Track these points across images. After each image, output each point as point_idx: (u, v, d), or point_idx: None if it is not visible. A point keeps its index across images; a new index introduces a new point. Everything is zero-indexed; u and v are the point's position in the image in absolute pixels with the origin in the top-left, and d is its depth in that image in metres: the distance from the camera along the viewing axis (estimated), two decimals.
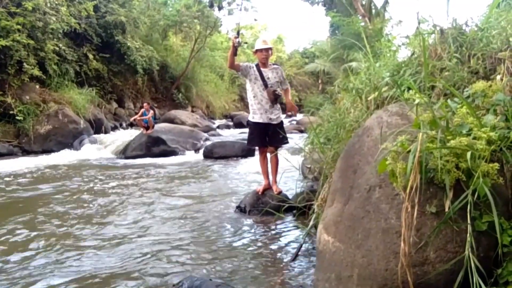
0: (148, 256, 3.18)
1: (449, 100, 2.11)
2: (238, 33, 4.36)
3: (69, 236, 3.75)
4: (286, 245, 3.44)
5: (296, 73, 35.01)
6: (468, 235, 1.66)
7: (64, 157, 9.98)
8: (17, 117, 10.85)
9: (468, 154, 1.67)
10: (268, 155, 4.56)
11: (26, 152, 10.69)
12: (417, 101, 2.02)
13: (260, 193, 4.49)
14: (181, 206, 4.80)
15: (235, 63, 4.35)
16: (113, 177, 6.97)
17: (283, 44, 41.52)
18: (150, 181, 6.46)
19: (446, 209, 1.72)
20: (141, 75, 18.04)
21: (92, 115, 13.24)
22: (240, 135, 14.02)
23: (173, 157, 9.68)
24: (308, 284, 2.60)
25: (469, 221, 1.66)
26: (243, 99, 28.74)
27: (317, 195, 3.33)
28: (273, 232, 3.81)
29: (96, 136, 12.37)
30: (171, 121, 14.65)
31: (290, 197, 4.35)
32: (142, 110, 10.63)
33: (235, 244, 3.47)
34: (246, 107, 26.53)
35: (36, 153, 10.62)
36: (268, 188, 4.52)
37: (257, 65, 4.43)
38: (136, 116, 10.86)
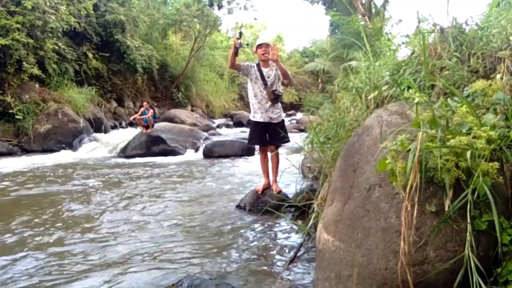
0: (147, 255, 3.18)
1: (449, 99, 2.10)
2: (240, 34, 4.35)
3: (69, 232, 3.75)
4: (286, 244, 3.44)
5: (296, 72, 34.97)
6: (467, 234, 1.66)
7: (63, 156, 9.98)
8: (16, 116, 10.84)
9: (468, 153, 1.67)
10: (269, 154, 4.56)
11: (26, 151, 10.70)
12: (417, 100, 2.01)
13: (260, 192, 4.49)
14: (180, 205, 4.80)
15: (236, 63, 4.35)
16: (113, 176, 6.97)
17: (283, 43, 41.49)
18: (149, 180, 6.46)
19: (446, 208, 1.72)
20: (141, 74, 18.02)
21: (92, 114, 13.23)
22: (240, 134, 14.02)
23: (173, 156, 9.67)
24: (307, 283, 2.60)
25: (469, 220, 1.66)
26: (242, 98, 28.73)
27: (316, 194, 3.33)
28: (272, 231, 3.81)
29: (95, 135, 12.38)
30: (171, 120, 14.64)
31: (290, 196, 4.35)
32: (142, 109, 10.62)
33: (234, 243, 3.47)
34: (245, 106, 26.56)
35: (35, 152, 10.63)
36: (268, 187, 4.53)
37: (257, 65, 4.43)
38: (136, 115, 10.85)
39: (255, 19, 29.77)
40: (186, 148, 10.31)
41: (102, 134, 13.04)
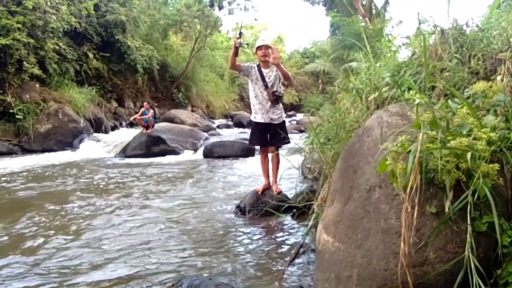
0: (147, 255, 3.18)
1: (449, 101, 2.10)
2: (240, 34, 4.36)
3: (67, 232, 3.74)
4: (286, 245, 3.44)
5: (296, 73, 34.99)
6: (468, 235, 1.66)
7: (63, 156, 9.98)
8: (17, 116, 10.85)
9: (468, 155, 1.67)
10: (270, 155, 4.56)
11: (26, 151, 10.70)
12: (417, 101, 2.01)
13: (259, 192, 4.49)
14: (180, 206, 4.80)
15: (236, 63, 4.35)
16: (112, 176, 6.97)
17: (283, 44, 41.51)
18: (149, 181, 6.46)
19: (446, 210, 1.72)
20: (141, 74, 18.04)
21: (92, 114, 13.24)
22: (240, 134, 14.02)
23: (173, 156, 9.67)
24: (307, 284, 2.60)
25: (469, 222, 1.66)
26: (243, 99, 28.75)
27: (316, 195, 3.33)
28: (272, 232, 3.81)
29: (96, 135, 12.39)
30: (171, 120, 14.65)
31: (290, 197, 4.35)
32: (142, 109, 10.62)
33: (234, 244, 3.47)
34: (246, 106, 26.58)
35: (36, 152, 10.63)
36: (268, 188, 4.52)
37: (258, 66, 4.43)
38: (136, 116, 10.85)
39: (255, 19, 29.81)
40: (186, 149, 10.31)
41: (102, 134, 13.05)
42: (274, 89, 4.39)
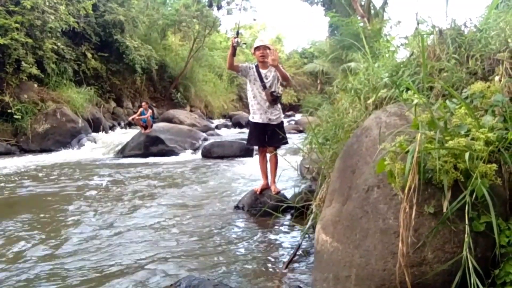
0: (144, 255, 3.17)
1: (447, 101, 2.11)
2: (237, 33, 4.36)
3: (63, 235, 3.74)
4: (284, 245, 3.44)
5: (294, 73, 35.01)
6: (466, 235, 1.66)
7: (62, 156, 9.97)
8: (15, 116, 10.84)
9: (466, 155, 1.67)
10: (268, 155, 4.56)
11: (24, 151, 10.68)
12: (415, 101, 2.02)
13: (258, 192, 4.49)
14: (178, 206, 4.79)
15: (234, 64, 4.35)
16: (111, 176, 6.95)
17: (282, 44, 41.53)
18: (148, 181, 6.45)
19: (444, 210, 1.72)
20: (140, 74, 18.03)
21: (91, 114, 13.22)
22: (238, 135, 14.02)
23: (171, 156, 9.67)
24: (306, 284, 2.60)
25: (467, 222, 1.67)
26: (241, 99, 28.74)
27: (315, 195, 3.33)
28: (271, 232, 3.81)
29: (94, 135, 12.38)
30: (170, 120, 14.64)
31: (288, 197, 4.35)
32: (141, 109, 10.61)
33: (232, 244, 3.47)
34: (244, 107, 26.57)
35: (34, 152, 10.61)
36: (266, 188, 4.52)
37: (256, 66, 4.44)
38: (134, 116, 10.84)
39: (254, 19, 29.86)
40: (185, 149, 10.30)
41: (101, 134, 13.04)
42: (272, 89, 4.39)
